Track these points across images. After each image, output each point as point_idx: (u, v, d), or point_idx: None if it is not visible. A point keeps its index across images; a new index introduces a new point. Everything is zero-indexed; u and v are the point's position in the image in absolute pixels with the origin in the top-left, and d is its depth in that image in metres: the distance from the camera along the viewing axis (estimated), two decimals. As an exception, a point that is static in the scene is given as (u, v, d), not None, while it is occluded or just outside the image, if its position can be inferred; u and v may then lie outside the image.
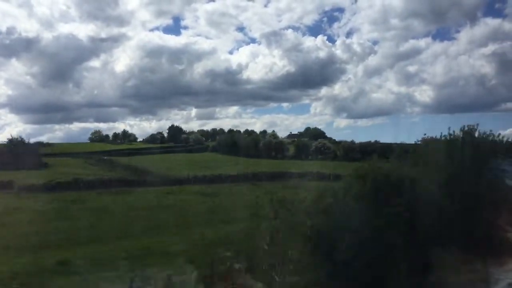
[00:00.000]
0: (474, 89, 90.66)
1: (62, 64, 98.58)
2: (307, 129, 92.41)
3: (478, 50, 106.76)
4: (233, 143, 72.23)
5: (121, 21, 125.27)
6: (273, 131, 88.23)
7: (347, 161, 50.65)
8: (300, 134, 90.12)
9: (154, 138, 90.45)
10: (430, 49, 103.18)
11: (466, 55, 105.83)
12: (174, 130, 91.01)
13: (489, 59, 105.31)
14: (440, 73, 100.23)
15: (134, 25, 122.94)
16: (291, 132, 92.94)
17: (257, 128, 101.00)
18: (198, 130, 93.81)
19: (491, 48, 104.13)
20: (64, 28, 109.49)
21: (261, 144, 69.46)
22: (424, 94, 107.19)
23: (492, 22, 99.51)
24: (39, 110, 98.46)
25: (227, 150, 71.03)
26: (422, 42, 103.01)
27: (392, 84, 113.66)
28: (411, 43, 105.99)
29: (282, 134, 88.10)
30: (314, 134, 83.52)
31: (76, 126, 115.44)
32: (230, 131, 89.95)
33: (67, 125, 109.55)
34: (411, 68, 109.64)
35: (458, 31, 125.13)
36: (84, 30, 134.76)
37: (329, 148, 66.33)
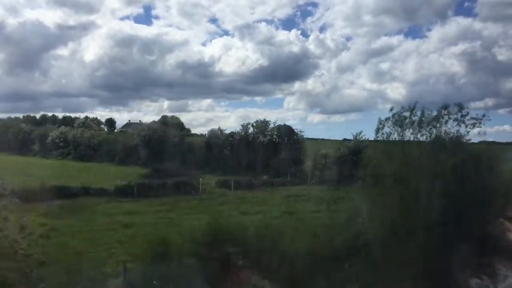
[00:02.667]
0: (444, 88, 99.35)
1: (28, 51, 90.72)
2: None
3: (449, 48, 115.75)
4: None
5: (90, 8, 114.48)
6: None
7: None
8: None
9: None
10: (402, 47, 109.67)
11: (437, 54, 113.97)
12: None
13: (459, 58, 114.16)
14: (412, 71, 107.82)
15: (104, 13, 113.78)
16: (129, 120, 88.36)
17: (231, 122, 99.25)
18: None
19: (461, 47, 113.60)
20: (31, 15, 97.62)
21: (8, 136, 68.30)
22: (396, 91, 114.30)
23: (462, 21, 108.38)
24: (4, 99, 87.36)
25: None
26: (394, 40, 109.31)
27: (365, 80, 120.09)
28: (384, 40, 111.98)
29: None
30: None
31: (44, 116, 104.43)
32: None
33: (34, 115, 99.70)
34: (383, 65, 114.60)
35: (429, 29, 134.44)
36: (51, 17, 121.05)
37: (68, 142, 55.84)
